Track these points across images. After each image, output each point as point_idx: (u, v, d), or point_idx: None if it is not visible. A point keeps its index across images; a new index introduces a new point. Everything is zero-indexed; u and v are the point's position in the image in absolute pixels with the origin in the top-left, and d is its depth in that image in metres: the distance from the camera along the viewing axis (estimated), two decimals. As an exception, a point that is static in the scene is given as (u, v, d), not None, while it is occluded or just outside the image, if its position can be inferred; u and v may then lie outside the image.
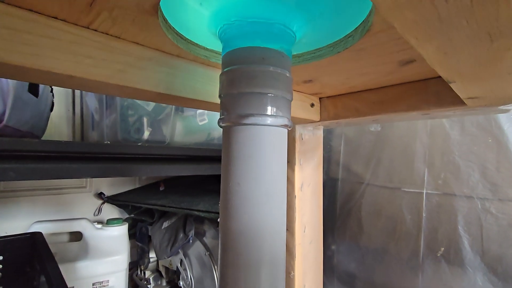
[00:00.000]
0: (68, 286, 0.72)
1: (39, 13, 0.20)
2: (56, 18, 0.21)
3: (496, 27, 0.14)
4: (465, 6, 0.12)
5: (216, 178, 0.99)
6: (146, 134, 0.54)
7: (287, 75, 0.22)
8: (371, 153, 0.63)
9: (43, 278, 0.50)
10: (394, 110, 0.40)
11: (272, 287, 0.20)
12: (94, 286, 0.73)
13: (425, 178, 0.55)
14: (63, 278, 0.43)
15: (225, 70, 0.21)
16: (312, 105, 0.48)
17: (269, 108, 0.20)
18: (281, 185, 0.22)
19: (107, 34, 0.24)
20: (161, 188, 0.99)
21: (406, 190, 0.57)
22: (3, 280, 0.57)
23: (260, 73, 0.20)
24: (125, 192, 0.99)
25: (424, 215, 0.54)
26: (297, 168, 0.53)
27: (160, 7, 0.21)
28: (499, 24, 0.13)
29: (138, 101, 0.54)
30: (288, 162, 0.53)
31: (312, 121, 0.49)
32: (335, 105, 0.47)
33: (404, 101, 0.39)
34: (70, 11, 0.20)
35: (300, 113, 0.45)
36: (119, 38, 0.25)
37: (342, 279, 0.67)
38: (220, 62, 0.30)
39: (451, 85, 0.24)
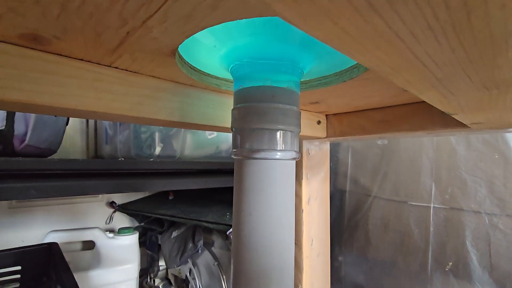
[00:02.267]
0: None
1: (67, 56, 0.22)
2: (82, 60, 0.23)
3: (493, 81, 0.15)
4: (458, 70, 0.13)
5: (224, 189, 1.01)
6: (157, 150, 0.56)
7: (295, 109, 0.23)
8: (378, 166, 0.64)
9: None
10: (399, 129, 0.41)
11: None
12: (106, 295, 0.75)
13: (432, 192, 0.55)
14: (78, 287, 0.45)
15: (237, 106, 0.23)
16: (319, 122, 0.49)
17: (278, 143, 0.21)
18: (290, 213, 0.23)
19: (127, 70, 0.26)
20: (170, 197, 1.00)
21: (413, 203, 0.57)
22: (21, 290, 0.60)
23: (271, 110, 0.21)
24: (135, 201, 1.01)
25: (431, 229, 0.54)
26: (304, 182, 0.54)
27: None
28: (496, 78, 0.15)
29: (150, 117, 0.56)
30: (295, 176, 0.54)
31: (319, 138, 0.50)
32: (341, 122, 0.48)
33: (409, 121, 0.40)
34: (95, 54, 0.22)
35: (307, 130, 0.46)
36: (137, 73, 0.26)
37: (349, 290, 0.68)
38: (231, 89, 0.32)
39: (454, 117, 0.24)
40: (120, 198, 0.99)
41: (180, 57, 0.25)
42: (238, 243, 0.22)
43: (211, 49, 0.23)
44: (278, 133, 0.22)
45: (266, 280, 0.21)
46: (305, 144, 0.54)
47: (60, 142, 0.63)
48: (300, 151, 0.55)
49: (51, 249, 0.62)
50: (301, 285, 0.54)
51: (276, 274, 0.21)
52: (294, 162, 0.23)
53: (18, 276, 0.60)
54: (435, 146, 0.55)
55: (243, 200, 0.22)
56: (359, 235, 0.65)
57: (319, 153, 0.58)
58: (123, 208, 0.96)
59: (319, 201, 0.57)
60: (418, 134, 0.41)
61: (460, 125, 0.35)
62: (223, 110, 0.33)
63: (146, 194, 1.08)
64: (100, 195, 0.95)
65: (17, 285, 0.60)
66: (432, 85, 0.15)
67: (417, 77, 0.14)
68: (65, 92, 0.22)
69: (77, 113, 0.24)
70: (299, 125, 0.23)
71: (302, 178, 0.54)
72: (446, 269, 0.51)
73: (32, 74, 0.21)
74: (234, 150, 0.23)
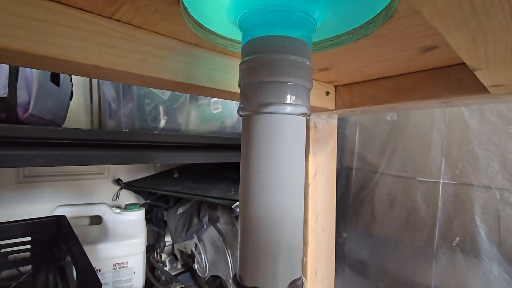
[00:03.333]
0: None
1: (66, 4, 0.21)
2: (82, 9, 0.22)
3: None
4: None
5: (229, 166, 1.01)
6: (162, 123, 0.55)
7: (308, 63, 0.22)
8: (386, 142, 0.63)
9: (68, 258, 0.54)
10: (412, 98, 0.39)
11: (290, 270, 0.21)
12: (115, 267, 0.77)
13: (442, 167, 0.54)
14: (87, 257, 0.45)
15: (245, 59, 0.22)
16: (327, 93, 0.47)
17: (289, 96, 0.20)
18: (300, 172, 0.22)
19: (129, 24, 0.24)
20: (175, 175, 1.01)
21: (422, 179, 0.56)
22: (32, 260, 0.61)
23: (281, 62, 0.20)
24: (141, 179, 1.02)
25: (439, 205, 0.53)
26: (311, 156, 0.53)
27: (181, -4, 0.21)
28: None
29: (154, 90, 0.55)
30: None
31: (327, 110, 0.49)
32: (351, 93, 0.46)
33: (423, 89, 0.38)
34: (95, 2, 0.21)
35: (315, 101, 0.45)
36: (140, 28, 0.25)
37: (353, 266, 0.68)
38: (238, 50, 0.30)
39: (476, 73, 0.23)
40: (126, 176, 1.00)
41: (185, 10, 0.23)
42: (245, 202, 0.22)
43: (218, -1, 0.22)
44: (288, 86, 0.20)
45: (275, 238, 0.21)
46: (313, 117, 0.53)
47: (65, 116, 0.63)
48: (307, 124, 0.54)
49: (60, 221, 0.63)
50: (306, 258, 0.54)
51: (285, 232, 0.21)
52: (304, 119, 0.22)
53: (29, 246, 0.62)
54: (447, 121, 0.54)
55: (251, 157, 0.21)
56: (365, 212, 0.65)
57: (326, 127, 0.56)
58: (129, 186, 0.97)
59: (326, 176, 0.57)
60: (432, 103, 0.39)
61: (478, 90, 0.33)
62: (229, 73, 0.32)
63: (152, 172, 1.08)
64: (106, 172, 0.96)
65: (28, 255, 0.62)
66: (464, 19, 0.13)
67: (453, 4, 0.12)
68: (67, 43, 0.21)
69: (79, 68, 0.23)
70: (310, 81, 0.22)
71: (309, 152, 0.53)
72: (453, 244, 0.51)
73: (31, 21, 0.20)
74: (242, 106, 0.22)
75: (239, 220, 0.22)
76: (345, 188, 0.69)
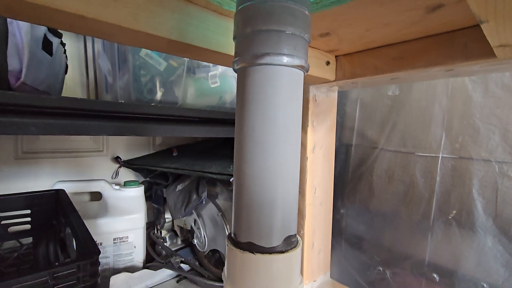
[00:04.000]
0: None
1: None
2: (64, -49, 0.20)
3: None
4: None
5: (228, 145, 1.00)
6: (158, 95, 0.54)
7: (306, 12, 0.20)
8: (387, 118, 0.62)
9: (68, 230, 0.54)
10: (415, 66, 0.38)
11: (284, 226, 0.21)
12: (115, 241, 0.78)
13: (442, 142, 0.53)
14: (86, 227, 0.46)
15: (240, 7, 0.21)
16: (328, 63, 0.46)
17: (285, 47, 0.19)
18: (296, 129, 0.21)
19: (117, -28, 0.23)
20: (174, 154, 1.01)
21: (421, 154, 0.56)
22: (32, 232, 0.62)
23: (278, 9, 0.19)
24: (140, 157, 1.02)
25: (437, 179, 0.53)
26: (309, 130, 0.53)
27: None
28: None
29: (150, 61, 0.54)
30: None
31: (327, 81, 0.48)
32: (352, 62, 0.45)
33: (427, 56, 0.37)
34: None
35: (315, 71, 0.44)
36: (129, -22, 0.24)
37: (349, 241, 0.69)
38: (233, 9, 0.29)
39: (483, 26, 0.22)
40: (124, 154, 1.00)
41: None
42: (240, 160, 0.21)
43: None
44: (285, 36, 0.19)
45: (270, 194, 0.20)
46: (312, 90, 0.52)
47: (60, 89, 0.62)
48: (306, 97, 0.53)
49: (59, 194, 0.64)
50: (303, 231, 0.55)
51: (280, 189, 0.21)
52: (302, 73, 0.21)
53: (29, 219, 0.62)
54: (449, 94, 0.53)
55: (245, 113, 0.21)
56: (363, 187, 0.65)
57: (326, 101, 0.55)
58: (128, 164, 0.97)
59: (324, 150, 0.56)
60: (436, 71, 0.38)
61: (484, 55, 0.32)
62: (224, 35, 0.31)
63: (151, 151, 1.08)
64: (105, 150, 0.96)
65: (29, 227, 0.62)
66: None
67: None
68: (49, -12, 0.20)
69: (64, 19, 0.22)
70: (308, 32, 0.21)
71: (307, 126, 0.52)
72: (449, 217, 0.51)
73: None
74: (236, 58, 0.21)
75: (233, 178, 0.22)
76: (344, 165, 0.69)
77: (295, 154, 0.22)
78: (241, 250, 0.21)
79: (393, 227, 0.60)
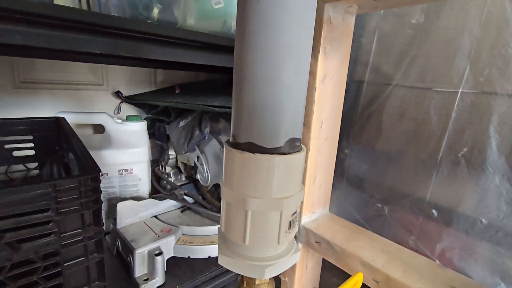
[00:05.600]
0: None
1: None
2: None
3: None
4: None
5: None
6: (155, 12, 0.48)
7: None
8: (406, 50, 0.56)
9: (71, 155, 0.54)
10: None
11: (289, 127, 0.19)
12: (120, 173, 0.80)
13: (465, 75, 0.49)
14: (86, 149, 0.45)
15: None
16: (349, -28, 0.39)
17: None
18: (312, 7, 0.18)
19: None
20: (177, 91, 0.97)
21: (439, 90, 0.52)
22: (37, 157, 0.63)
23: None
24: (142, 93, 0.99)
25: (453, 115, 0.50)
26: (321, 57, 0.48)
27: None
28: None
29: (145, -29, 0.47)
30: (311, 49, 0.48)
31: (346, -4, 0.42)
32: (377, -29, 0.39)
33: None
34: None
35: (333, -20, 0.38)
36: None
37: (351, 180, 0.69)
38: None
39: None
40: (126, 90, 0.97)
41: None
42: (242, 46, 0.18)
43: None
44: None
45: (275, 87, 0.18)
46: (328, 9, 0.46)
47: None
48: (320, 18, 0.47)
49: (59, 122, 0.63)
50: (306, 164, 0.54)
51: (287, 82, 0.18)
52: None
53: (32, 144, 0.62)
54: (482, 20, 0.46)
55: (247, 18, 0.17)
56: (371, 126, 0.63)
57: (342, 25, 0.50)
58: (129, 99, 0.95)
59: (335, 82, 0.52)
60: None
61: None
62: None
63: (153, 88, 1.05)
64: (105, 84, 0.93)
65: (33, 153, 0.63)
66: None
67: None
68: None
69: None
70: None
71: (319, 52, 0.48)
72: (459, 155, 0.50)
73: None
74: None
75: (233, 71, 0.19)
76: (353, 103, 0.66)
77: (307, 38, 0.18)
78: (240, 151, 0.19)
79: (397, 166, 0.59)
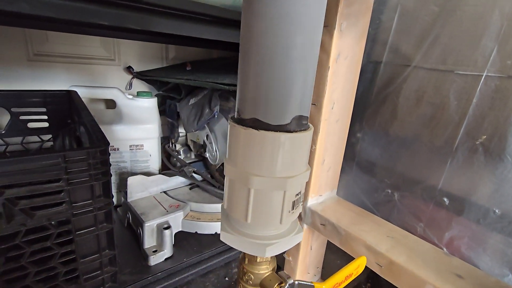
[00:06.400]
0: (110, 146, 0.80)
1: None
2: None
3: None
4: None
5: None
6: (165, -18, 0.47)
7: None
8: (429, 28, 0.53)
9: (82, 129, 0.55)
10: None
11: (296, 103, 0.18)
12: (131, 148, 0.81)
13: (491, 58, 0.45)
14: (96, 122, 0.46)
15: None
16: None
17: None
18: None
19: None
20: (188, 68, 0.96)
21: (461, 73, 0.49)
22: (51, 129, 0.64)
23: None
24: (153, 69, 0.99)
25: (474, 101, 0.47)
26: (336, 34, 0.46)
27: None
28: None
29: None
30: (326, 25, 0.45)
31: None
32: None
33: None
34: None
35: None
36: None
37: (361, 164, 0.68)
38: None
39: None
40: (137, 65, 0.97)
41: None
42: (249, 14, 0.17)
43: None
44: None
45: (283, 59, 0.17)
46: (346, -19, 0.43)
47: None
48: (337, -9, 0.44)
49: (71, 95, 0.63)
50: (315, 146, 0.53)
51: (296, 54, 0.17)
52: None
53: (46, 117, 0.64)
54: (517, -4, 0.42)
55: None
56: (385, 110, 0.60)
57: (360, 0, 0.47)
58: (141, 75, 0.95)
59: (350, 61, 0.50)
60: None
61: None
62: None
63: (164, 64, 1.04)
64: (117, 59, 0.92)
65: (47, 125, 0.64)
66: None
67: None
68: None
69: None
70: None
71: (334, 28, 0.45)
72: (477, 143, 0.47)
73: None
74: None
75: (239, 43, 0.18)
76: (369, 85, 0.63)
77: (318, 26, 0.17)
78: (244, 127, 0.18)
79: (410, 152, 0.57)
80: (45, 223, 0.38)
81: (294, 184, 0.19)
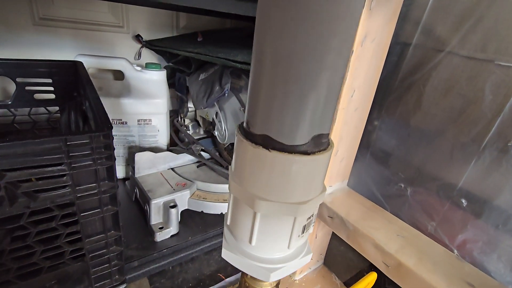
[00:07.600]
0: (119, 120, 0.79)
1: None
2: None
3: None
4: None
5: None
6: None
7: None
8: (470, 10, 0.46)
9: (87, 103, 0.53)
10: None
11: (317, 120, 0.15)
12: (139, 123, 0.79)
13: (542, 49, 0.40)
14: (100, 102, 0.44)
15: None
16: None
17: None
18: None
19: None
20: (199, 39, 0.91)
21: (502, 64, 0.43)
22: (57, 101, 0.63)
23: None
24: (162, 39, 0.94)
25: (513, 97, 0.42)
26: (364, 14, 0.40)
27: None
28: None
29: None
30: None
31: None
32: None
33: None
34: None
35: None
36: None
37: (375, 154, 0.65)
38: None
39: None
40: (146, 33, 0.92)
41: None
42: (263, 13, 0.13)
43: None
44: None
45: (304, 69, 0.14)
46: (383, -50, 0.37)
47: None
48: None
49: (77, 66, 0.61)
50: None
51: (327, 63, 0.14)
52: None
53: (52, 88, 0.62)
54: None
55: None
56: (409, 98, 0.55)
57: (397, -28, 0.40)
58: (150, 44, 0.90)
59: (376, 45, 0.45)
60: None
61: None
62: None
63: (174, 33, 0.98)
64: (125, 26, 0.88)
65: (53, 96, 0.63)
66: None
67: None
68: None
69: None
70: None
71: (363, 7, 0.40)
72: (509, 144, 0.43)
73: None
74: None
75: (253, 44, 0.15)
76: (394, 68, 0.58)
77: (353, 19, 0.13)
78: (254, 144, 0.15)
79: (431, 146, 0.54)
80: (49, 205, 0.37)
81: (306, 210, 0.16)
